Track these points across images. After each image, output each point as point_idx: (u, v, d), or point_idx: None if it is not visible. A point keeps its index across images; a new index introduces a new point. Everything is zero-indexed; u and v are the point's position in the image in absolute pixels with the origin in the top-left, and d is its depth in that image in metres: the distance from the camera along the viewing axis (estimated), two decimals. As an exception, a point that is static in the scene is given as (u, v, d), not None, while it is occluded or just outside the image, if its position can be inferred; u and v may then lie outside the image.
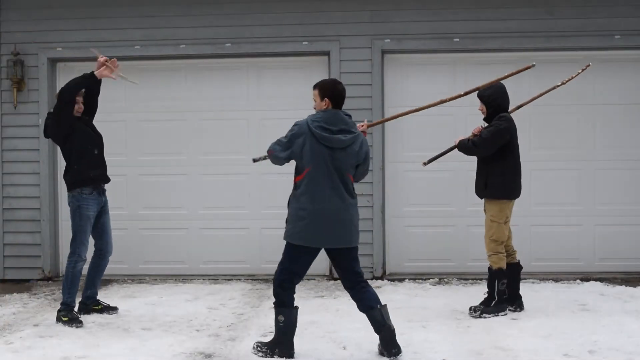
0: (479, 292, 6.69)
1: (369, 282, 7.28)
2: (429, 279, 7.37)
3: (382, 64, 7.59)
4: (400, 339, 5.10)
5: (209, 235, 7.82)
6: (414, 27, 7.50)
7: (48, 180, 7.75)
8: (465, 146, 5.91)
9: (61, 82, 7.92)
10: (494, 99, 5.87)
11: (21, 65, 7.66)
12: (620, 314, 5.80)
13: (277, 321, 4.82)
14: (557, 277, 7.38)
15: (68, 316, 5.70)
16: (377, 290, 6.93)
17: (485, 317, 5.69)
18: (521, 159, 7.58)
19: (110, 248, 6.11)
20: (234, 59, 7.76)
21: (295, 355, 4.79)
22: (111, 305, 6.14)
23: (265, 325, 5.58)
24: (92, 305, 6.05)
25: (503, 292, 5.78)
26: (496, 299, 5.77)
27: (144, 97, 7.87)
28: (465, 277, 7.36)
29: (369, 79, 7.51)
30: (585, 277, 7.33)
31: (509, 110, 6.03)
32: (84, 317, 5.82)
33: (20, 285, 7.54)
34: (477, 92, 5.88)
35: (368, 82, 7.51)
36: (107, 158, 7.89)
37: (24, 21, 7.76)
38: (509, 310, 5.88)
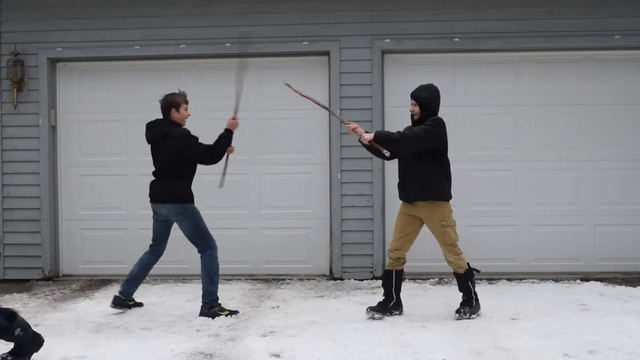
0: (478, 292, 6.68)
1: (369, 282, 7.36)
2: (429, 279, 7.37)
3: (382, 64, 7.59)
4: (400, 339, 5.11)
5: (209, 235, 7.82)
6: (414, 27, 7.51)
7: (48, 180, 7.75)
8: (387, 136, 5.55)
9: (61, 82, 7.96)
10: (430, 102, 5.68)
11: (21, 65, 7.66)
12: (620, 314, 5.79)
13: None
14: (557, 277, 7.38)
15: (226, 309, 5.89)
16: (377, 291, 6.99)
17: (472, 318, 5.64)
18: (522, 159, 7.67)
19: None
20: (234, 59, 7.75)
21: (293, 355, 4.79)
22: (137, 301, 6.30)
23: (265, 325, 5.58)
24: (129, 301, 6.16)
25: (476, 291, 5.82)
26: (474, 298, 5.74)
27: (144, 97, 7.86)
28: (465, 277, 7.35)
29: (369, 79, 7.52)
30: (585, 277, 7.33)
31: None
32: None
33: (20, 285, 7.54)
34: (412, 92, 5.74)
35: (368, 82, 7.51)
36: (107, 158, 7.97)
37: (24, 21, 7.76)
38: (396, 314, 5.81)
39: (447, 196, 5.71)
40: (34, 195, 7.75)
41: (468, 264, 5.80)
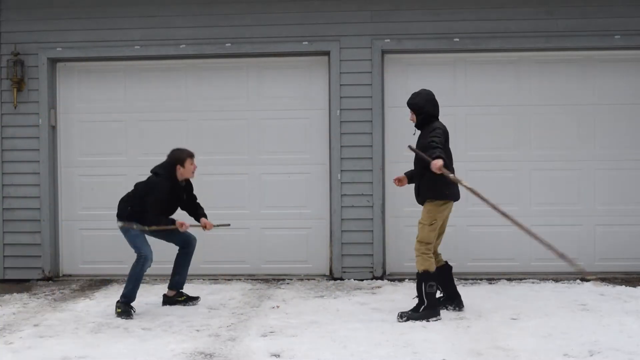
0: (478, 292, 6.71)
1: (369, 282, 7.36)
2: (429, 279, 7.36)
3: (382, 64, 7.59)
4: (400, 339, 5.11)
5: (209, 235, 7.78)
6: (414, 27, 7.50)
7: (48, 180, 7.75)
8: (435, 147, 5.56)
9: (61, 82, 7.96)
10: (422, 106, 5.72)
11: (21, 65, 7.66)
12: (620, 314, 5.79)
13: None
14: (557, 277, 7.37)
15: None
16: (377, 291, 7.01)
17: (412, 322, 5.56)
18: (522, 159, 7.67)
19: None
20: (234, 59, 7.76)
21: (293, 355, 4.79)
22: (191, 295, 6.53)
23: (265, 325, 5.58)
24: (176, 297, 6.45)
25: (433, 295, 5.64)
26: (426, 303, 5.64)
27: (144, 97, 7.87)
28: (465, 277, 7.36)
29: (369, 79, 7.51)
30: (586, 277, 7.33)
31: None
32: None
33: (20, 285, 7.53)
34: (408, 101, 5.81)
35: (368, 82, 7.51)
36: (107, 158, 7.96)
37: (24, 21, 7.76)
38: (449, 309, 5.87)
39: (438, 196, 5.69)
40: (34, 195, 7.75)
41: (428, 271, 5.62)
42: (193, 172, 6.23)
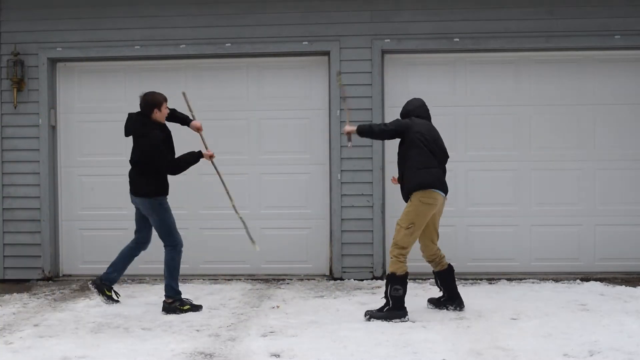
0: (478, 292, 6.71)
1: (369, 282, 7.36)
2: (429, 279, 7.35)
3: (382, 64, 7.59)
4: (400, 339, 5.11)
5: (209, 235, 7.83)
6: (414, 27, 7.51)
7: (48, 180, 7.75)
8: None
9: (61, 82, 7.96)
10: (404, 112, 5.98)
11: (21, 65, 7.66)
12: (620, 314, 5.79)
13: None
14: (557, 277, 7.38)
15: (187, 304, 6.11)
16: (377, 290, 7.00)
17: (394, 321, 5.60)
18: (522, 159, 7.67)
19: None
20: (234, 59, 7.77)
21: (293, 355, 4.79)
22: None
23: (265, 325, 5.58)
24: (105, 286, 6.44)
25: (398, 298, 5.63)
26: (390, 304, 5.66)
27: (144, 97, 7.86)
28: (465, 277, 7.36)
29: (369, 79, 7.52)
30: (585, 277, 7.33)
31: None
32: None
33: (20, 285, 7.54)
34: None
35: (368, 82, 7.51)
36: (107, 158, 7.96)
37: (24, 21, 7.76)
38: (450, 309, 5.92)
39: (419, 186, 5.71)
40: (34, 195, 7.75)
41: (395, 274, 5.63)
42: (164, 117, 6.19)
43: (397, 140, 7.59)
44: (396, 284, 5.63)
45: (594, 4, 7.40)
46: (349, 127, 5.91)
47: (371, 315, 5.67)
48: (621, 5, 7.40)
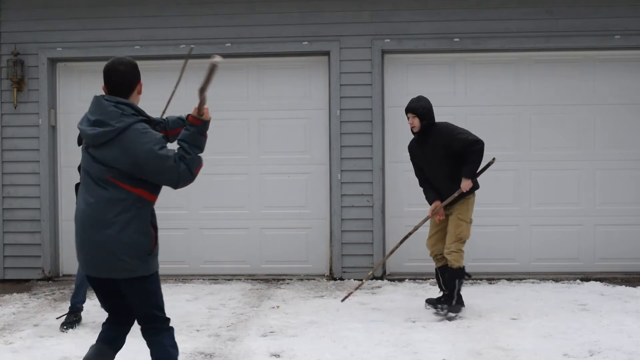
0: (478, 292, 6.71)
1: (369, 282, 7.36)
2: (429, 279, 7.36)
3: (382, 64, 7.59)
4: (400, 339, 5.11)
5: (209, 235, 7.83)
6: (414, 27, 7.50)
7: (48, 180, 7.75)
8: (474, 168, 5.89)
9: (61, 82, 7.96)
10: (428, 111, 5.82)
11: (21, 65, 7.66)
12: (620, 314, 5.80)
13: None
14: (557, 277, 7.37)
15: None
16: (377, 290, 7.00)
17: (451, 318, 5.68)
18: (522, 159, 7.67)
19: None
20: (234, 59, 7.76)
21: (293, 355, 4.79)
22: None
23: (265, 325, 5.58)
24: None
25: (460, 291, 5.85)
26: (455, 300, 5.77)
27: (144, 97, 7.75)
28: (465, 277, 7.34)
29: (369, 79, 7.52)
30: (585, 277, 7.33)
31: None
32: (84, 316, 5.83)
33: (20, 285, 7.54)
34: (407, 106, 5.87)
35: (368, 82, 7.51)
36: (107, 158, 7.95)
37: (24, 21, 7.76)
38: (439, 308, 5.95)
39: (474, 186, 5.96)
40: (34, 195, 7.75)
41: (462, 268, 5.85)
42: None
43: (396, 140, 7.61)
44: (464, 277, 5.84)
45: (594, 4, 7.40)
46: (466, 184, 5.77)
47: (449, 310, 5.71)
48: (621, 5, 7.40)
